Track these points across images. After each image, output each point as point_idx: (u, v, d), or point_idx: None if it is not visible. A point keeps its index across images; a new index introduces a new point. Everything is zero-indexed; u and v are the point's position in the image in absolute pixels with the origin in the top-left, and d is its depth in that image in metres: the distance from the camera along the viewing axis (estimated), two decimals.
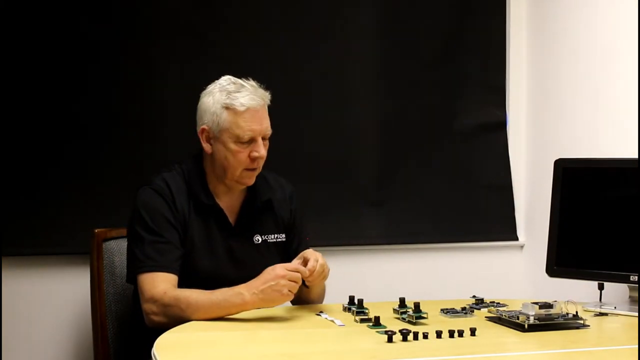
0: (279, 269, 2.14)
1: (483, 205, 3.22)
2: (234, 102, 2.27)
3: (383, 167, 3.11)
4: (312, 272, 2.18)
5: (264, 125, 2.30)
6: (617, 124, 2.77)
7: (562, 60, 3.05)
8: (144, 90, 2.85)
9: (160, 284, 2.19)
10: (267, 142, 2.33)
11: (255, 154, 2.28)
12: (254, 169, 2.32)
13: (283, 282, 2.11)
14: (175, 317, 2.12)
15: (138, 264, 2.23)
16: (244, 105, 2.27)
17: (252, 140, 2.28)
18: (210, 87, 2.34)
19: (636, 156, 2.55)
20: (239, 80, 2.33)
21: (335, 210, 3.03)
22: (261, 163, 2.33)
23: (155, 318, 2.17)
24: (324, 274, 2.24)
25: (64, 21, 2.75)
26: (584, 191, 2.50)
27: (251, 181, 2.35)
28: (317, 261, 2.21)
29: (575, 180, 2.50)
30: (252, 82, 2.34)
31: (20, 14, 2.71)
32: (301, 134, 2.99)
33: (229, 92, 2.29)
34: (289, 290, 2.12)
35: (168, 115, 2.86)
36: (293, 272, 2.14)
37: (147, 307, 2.18)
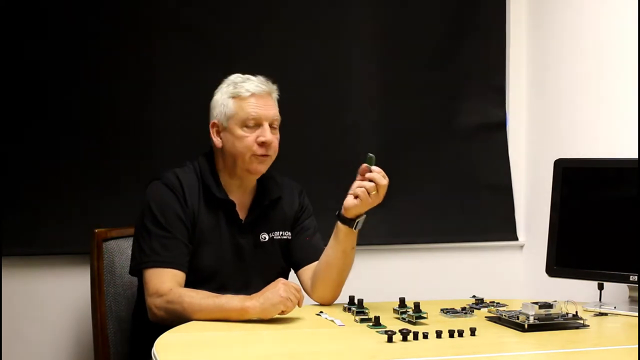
0: (280, 279, 2.15)
1: (483, 205, 3.22)
2: (239, 89, 2.31)
3: (383, 167, 3.09)
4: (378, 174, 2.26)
5: (270, 111, 2.32)
6: (617, 124, 2.77)
7: (562, 60, 3.05)
8: (144, 90, 2.85)
9: (167, 281, 2.18)
10: (276, 132, 2.34)
11: (261, 138, 2.29)
12: (263, 155, 2.32)
13: (281, 285, 2.11)
14: (176, 315, 2.12)
15: (144, 258, 2.23)
16: (248, 91, 2.30)
17: (258, 125, 2.30)
18: (221, 85, 2.38)
19: (636, 156, 2.55)
20: (247, 75, 2.37)
21: (335, 210, 3.02)
22: (271, 151, 2.33)
23: (158, 312, 2.17)
24: (383, 185, 2.27)
25: (63, 20, 2.75)
26: (584, 191, 2.50)
27: (262, 168, 2.34)
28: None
29: (575, 180, 2.50)
30: (260, 77, 2.37)
31: (19, 12, 2.70)
32: (301, 134, 2.99)
33: (236, 84, 2.34)
34: (287, 296, 2.09)
35: (169, 115, 2.86)
36: (291, 282, 2.14)
37: (151, 301, 2.18)
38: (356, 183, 2.30)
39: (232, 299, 2.12)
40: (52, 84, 2.75)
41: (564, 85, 3.05)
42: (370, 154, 2.29)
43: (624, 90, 2.71)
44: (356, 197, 2.29)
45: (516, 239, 3.26)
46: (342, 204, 2.91)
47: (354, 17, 3.08)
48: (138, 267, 2.26)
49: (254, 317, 2.09)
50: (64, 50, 2.76)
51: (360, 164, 3.06)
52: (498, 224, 3.24)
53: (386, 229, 3.11)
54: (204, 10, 2.90)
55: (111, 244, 2.53)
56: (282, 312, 2.10)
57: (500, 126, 3.25)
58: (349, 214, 2.32)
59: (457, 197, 3.18)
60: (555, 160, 2.55)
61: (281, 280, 2.14)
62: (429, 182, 3.15)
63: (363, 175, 2.30)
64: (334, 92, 3.05)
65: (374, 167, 2.28)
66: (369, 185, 2.27)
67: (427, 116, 3.16)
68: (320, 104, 3.03)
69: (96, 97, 2.80)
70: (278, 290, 2.09)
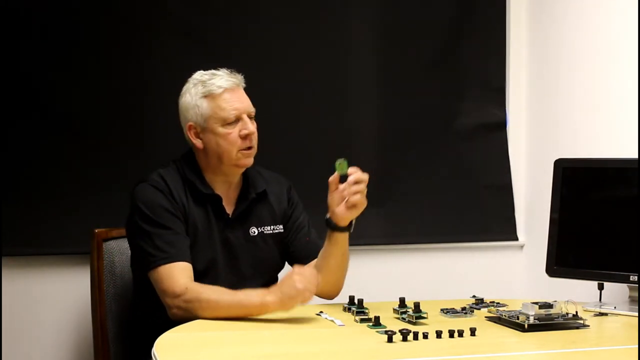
0: (294, 270, 2.17)
1: (483, 205, 3.22)
2: (210, 87, 2.30)
3: (383, 167, 3.11)
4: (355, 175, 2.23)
5: (246, 103, 2.33)
6: (616, 124, 2.77)
7: (562, 60, 3.05)
8: (143, 90, 2.85)
9: (180, 278, 2.18)
10: (254, 122, 2.34)
11: (245, 131, 2.30)
12: (248, 148, 2.32)
13: (296, 277, 2.12)
14: (195, 313, 2.13)
15: (151, 259, 2.22)
16: (221, 87, 2.30)
17: (238, 120, 2.30)
18: (185, 87, 2.38)
19: (636, 156, 2.55)
20: (210, 70, 2.36)
21: None
22: (254, 141, 2.33)
23: (178, 312, 2.17)
24: (361, 188, 2.25)
25: (61, 20, 2.75)
26: (584, 191, 2.50)
27: (249, 162, 2.35)
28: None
29: (575, 180, 2.50)
30: (224, 69, 2.36)
31: (15, 10, 2.70)
32: (301, 133, 2.99)
33: (204, 82, 2.32)
34: (305, 287, 2.10)
35: (168, 114, 2.85)
36: (305, 271, 2.15)
37: (169, 301, 2.18)
38: (342, 192, 2.26)
39: (251, 295, 2.13)
40: (51, 86, 2.75)
41: (564, 85, 3.05)
42: (341, 160, 2.25)
43: (624, 90, 2.71)
44: (352, 206, 2.27)
45: (516, 239, 3.25)
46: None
47: (354, 17, 3.07)
48: (148, 269, 2.24)
49: (275, 312, 2.11)
50: (62, 51, 2.75)
51: (359, 165, 3.07)
52: (498, 224, 3.24)
53: (386, 229, 3.11)
54: (202, 10, 2.90)
55: (111, 244, 2.53)
56: (302, 303, 2.12)
57: (500, 126, 3.25)
58: (345, 222, 2.31)
59: (457, 197, 3.18)
60: (555, 160, 2.55)
61: (295, 271, 2.14)
62: (429, 182, 3.15)
63: (337, 184, 2.27)
64: (334, 91, 3.05)
65: (351, 169, 2.26)
66: (362, 188, 2.26)
67: (427, 116, 3.16)
68: (320, 104, 3.03)
69: (96, 97, 2.80)
70: (294, 283, 2.10)
